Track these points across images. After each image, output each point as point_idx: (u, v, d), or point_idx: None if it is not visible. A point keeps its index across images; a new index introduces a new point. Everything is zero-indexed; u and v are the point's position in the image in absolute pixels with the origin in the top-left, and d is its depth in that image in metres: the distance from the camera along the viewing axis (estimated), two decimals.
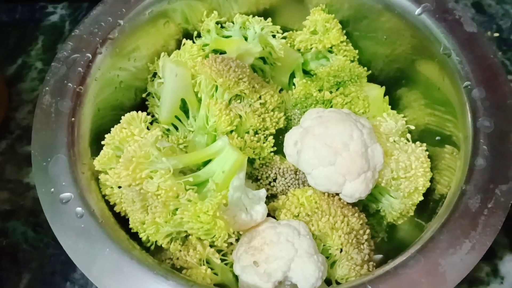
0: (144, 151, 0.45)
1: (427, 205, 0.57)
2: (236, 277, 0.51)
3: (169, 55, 0.64)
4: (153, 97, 0.63)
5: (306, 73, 0.68)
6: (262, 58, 0.65)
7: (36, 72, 0.77)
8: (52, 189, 0.47)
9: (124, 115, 0.52)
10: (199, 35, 0.66)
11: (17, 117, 0.73)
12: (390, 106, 0.66)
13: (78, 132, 0.51)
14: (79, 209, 0.46)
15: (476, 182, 0.47)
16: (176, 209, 0.45)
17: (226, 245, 0.51)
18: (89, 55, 0.55)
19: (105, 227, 0.46)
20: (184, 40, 0.65)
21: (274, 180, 0.58)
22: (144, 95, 0.64)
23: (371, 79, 0.68)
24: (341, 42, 0.64)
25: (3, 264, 0.62)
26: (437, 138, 0.58)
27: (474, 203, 0.46)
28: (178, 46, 0.65)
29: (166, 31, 0.64)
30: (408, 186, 0.55)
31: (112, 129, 0.50)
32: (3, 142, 0.71)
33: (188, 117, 0.61)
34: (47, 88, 0.52)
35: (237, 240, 0.52)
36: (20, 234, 0.64)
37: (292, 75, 0.67)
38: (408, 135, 0.59)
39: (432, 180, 0.57)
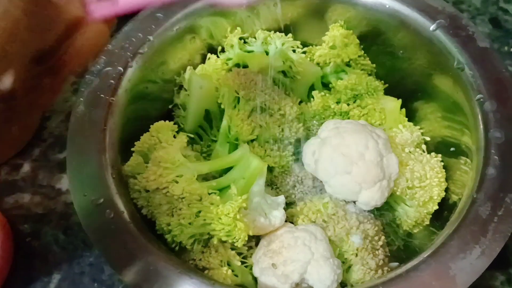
0: (171, 157, 0.49)
1: (442, 214, 0.59)
2: (255, 279, 0.53)
3: (194, 68, 0.67)
4: (179, 108, 0.67)
5: (325, 86, 0.71)
6: (283, 72, 0.67)
7: (69, 84, 0.81)
8: (85, 193, 0.50)
9: (151, 125, 0.56)
10: (223, 50, 0.69)
11: (49, 125, 0.77)
12: (406, 118, 0.68)
13: (109, 140, 0.54)
14: (109, 211, 0.49)
15: (487, 190, 0.49)
16: (199, 212, 0.48)
17: (246, 248, 0.54)
18: (121, 68, 0.58)
19: (133, 228, 0.49)
20: (209, 55, 0.68)
21: (293, 188, 0.60)
22: (170, 106, 0.67)
23: (388, 92, 0.70)
24: (359, 56, 0.67)
25: (34, 264, 0.65)
26: (452, 149, 0.60)
27: (485, 211, 0.48)
28: (203, 60, 0.69)
29: (192, 46, 0.67)
30: (423, 195, 0.57)
31: (141, 137, 0.53)
32: (36, 149, 0.75)
33: (211, 127, 0.64)
34: (81, 98, 0.56)
35: (256, 245, 0.55)
36: (51, 236, 0.67)
37: (312, 88, 0.70)
38: (424, 146, 0.61)
39: (447, 190, 0.59)
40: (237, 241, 0.48)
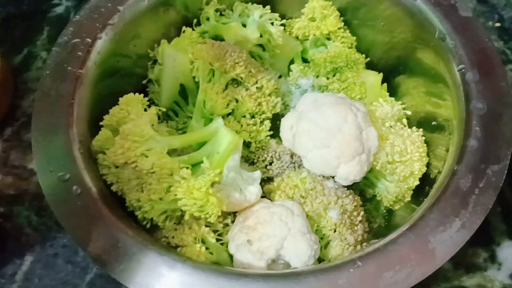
0: (139, 129, 0.47)
1: (424, 190, 0.57)
2: (231, 257, 0.52)
3: (169, 42, 0.65)
4: (154, 83, 0.64)
5: (305, 61, 0.69)
6: (262, 46, 0.66)
7: (42, 62, 0.79)
8: (51, 169, 0.48)
9: None
10: (198, 23, 0.67)
11: (22, 105, 0.75)
12: (388, 93, 0.66)
13: (77, 114, 0.52)
14: (76, 187, 0.47)
15: (468, 162, 0.48)
16: (170, 187, 0.46)
17: (221, 225, 0.52)
18: (89, 40, 0.56)
19: (101, 205, 0.47)
20: (184, 28, 0.66)
21: (270, 164, 0.58)
22: (144, 82, 0.65)
23: (370, 66, 0.68)
24: (339, 28, 0.65)
25: (7, 246, 0.63)
26: (433, 123, 0.59)
27: (465, 183, 0.47)
28: (178, 34, 0.66)
29: (166, 19, 0.65)
30: (404, 170, 0.56)
31: (110, 110, 0.51)
32: (8, 129, 0.73)
33: (187, 103, 0.62)
34: (47, 71, 0.54)
35: (232, 222, 0.53)
36: (24, 218, 0.65)
37: (292, 63, 0.68)
38: (405, 121, 0.60)
39: (428, 165, 0.57)
40: (210, 216, 0.46)
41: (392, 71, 0.67)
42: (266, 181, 0.58)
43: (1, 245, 0.62)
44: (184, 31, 0.65)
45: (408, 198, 0.59)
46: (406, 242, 0.44)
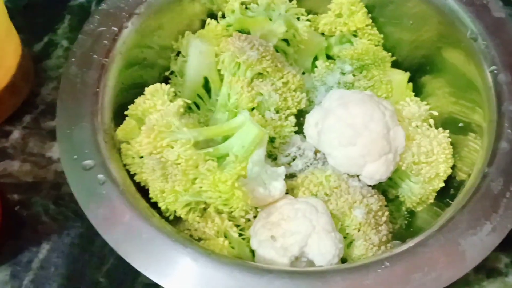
0: (166, 120, 0.46)
1: (448, 193, 0.56)
2: (252, 252, 0.51)
3: (193, 34, 0.64)
4: (176, 75, 0.64)
5: (329, 58, 0.68)
6: (286, 41, 0.65)
7: (62, 50, 0.78)
8: (75, 156, 0.48)
9: None
10: (223, 16, 0.66)
11: (42, 92, 0.74)
12: (413, 93, 0.65)
13: (102, 103, 0.51)
14: (101, 176, 0.47)
15: (499, 165, 0.47)
16: (195, 179, 0.46)
17: (243, 220, 0.52)
18: (115, 28, 0.55)
19: (125, 194, 0.46)
20: (208, 20, 0.65)
21: (293, 160, 0.58)
22: (167, 74, 0.65)
23: (395, 65, 0.67)
24: (366, 25, 0.64)
25: (23, 234, 0.63)
26: (460, 125, 0.58)
27: (496, 186, 0.46)
28: (202, 26, 0.66)
29: (191, 10, 0.64)
30: (429, 171, 0.55)
31: (135, 100, 0.51)
32: (27, 116, 0.72)
33: (210, 96, 0.61)
34: (73, 59, 0.53)
35: (254, 217, 0.53)
36: (41, 206, 0.65)
37: (315, 60, 0.67)
38: (431, 121, 0.59)
39: (453, 167, 0.57)
40: (235, 210, 0.46)
41: (417, 70, 0.66)
42: (288, 177, 0.57)
43: (17, 232, 0.62)
44: (208, 24, 0.64)
45: (431, 200, 0.58)
46: (435, 244, 0.43)
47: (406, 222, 0.61)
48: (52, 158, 0.69)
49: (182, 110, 0.49)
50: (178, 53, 0.64)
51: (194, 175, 0.46)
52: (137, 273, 0.44)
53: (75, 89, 0.51)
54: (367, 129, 0.51)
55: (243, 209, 0.46)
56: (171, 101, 0.51)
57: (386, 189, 0.60)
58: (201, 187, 0.45)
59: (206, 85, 0.61)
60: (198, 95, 0.61)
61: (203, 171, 0.46)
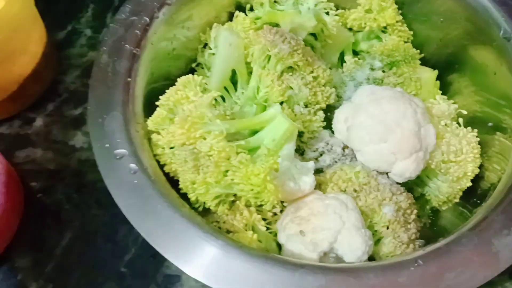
0: (199, 112, 0.46)
1: (474, 193, 0.56)
2: (279, 247, 0.51)
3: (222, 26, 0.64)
4: (203, 67, 0.64)
5: (355, 53, 0.68)
6: (314, 35, 0.64)
7: (86, 39, 0.78)
8: (107, 145, 0.48)
9: (172, 84, 0.53)
10: (251, 9, 0.66)
11: (65, 80, 0.74)
12: (441, 91, 0.65)
13: (133, 92, 0.51)
14: (133, 165, 0.47)
15: None
16: (227, 171, 0.45)
17: (271, 214, 0.52)
18: (147, 18, 0.55)
19: (157, 184, 0.46)
20: (236, 13, 0.65)
21: (321, 155, 0.57)
22: (193, 65, 0.64)
23: (423, 62, 0.67)
24: (397, 21, 0.63)
25: (46, 221, 0.63)
26: (489, 124, 0.57)
27: None
28: (230, 18, 0.65)
29: (219, 2, 0.64)
30: (458, 171, 0.55)
31: (167, 90, 0.50)
32: (50, 104, 0.72)
33: (236, 89, 0.61)
34: (105, 48, 0.53)
35: (281, 212, 0.53)
36: (63, 194, 0.65)
37: (342, 55, 0.67)
38: (460, 120, 0.59)
39: (480, 167, 0.56)
40: (266, 203, 0.46)
41: (445, 69, 0.65)
42: (315, 172, 0.57)
43: (39, 220, 0.62)
44: (237, 16, 0.64)
45: (457, 200, 0.58)
46: (469, 244, 0.43)
47: (430, 221, 0.60)
48: (75, 146, 0.69)
49: (214, 102, 0.49)
50: (205, 45, 0.64)
51: (226, 167, 0.46)
52: (159, 264, 0.44)
53: (107, 78, 0.51)
54: (399, 126, 0.51)
55: (274, 203, 0.46)
56: (202, 92, 0.51)
57: (411, 187, 0.59)
58: (232, 179, 0.45)
59: (233, 78, 0.61)
60: (225, 87, 0.61)
61: (236, 163, 0.45)
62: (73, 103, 0.72)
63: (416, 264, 0.42)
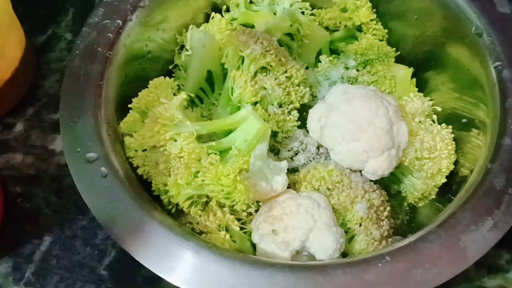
0: (169, 114, 0.46)
1: (450, 189, 0.56)
2: (253, 246, 0.51)
3: (197, 28, 0.64)
4: (180, 69, 0.64)
5: (334, 53, 0.68)
6: (290, 35, 0.65)
7: (65, 43, 0.78)
8: (79, 149, 0.48)
9: None
10: (228, 9, 0.66)
11: (44, 85, 0.74)
12: (417, 89, 0.65)
13: (105, 95, 0.51)
14: (103, 169, 0.47)
15: (503, 161, 0.47)
16: (198, 172, 0.45)
17: (245, 214, 0.52)
18: (119, 21, 0.55)
19: (128, 187, 0.46)
20: (213, 14, 0.65)
21: (296, 154, 0.58)
22: (170, 67, 0.64)
23: (399, 60, 0.67)
24: (371, 20, 0.64)
25: (25, 227, 0.63)
26: (463, 120, 0.58)
27: (499, 182, 0.46)
28: (207, 20, 0.66)
29: (195, 4, 0.64)
30: (432, 167, 0.55)
31: (139, 93, 0.51)
32: (30, 109, 0.72)
33: (213, 90, 0.61)
34: (77, 51, 0.53)
35: (256, 211, 0.53)
36: (43, 199, 0.65)
37: (319, 54, 0.67)
38: (434, 117, 0.59)
39: (456, 163, 0.57)
40: (237, 204, 0.46)
41: (421, 66, 0.66)
42: (290, 171, 0.57)
43: (19, 225, 0.62)
44: (213, 17, 0.64)
45: (433, 196, 0.58)
46: (437, 240, 0.43)
47: (407, 217, 0.61)
48: (54, 151, 0.69)
49: (185, 103, 0.49)
50: (182, 47, 0.64)
51: (196, 169, 0.46)
52: (138, 266, 0.44)
53: (79, 82, 0.51)
54: (371, 125, 0.51)
55: (245, 203, 0.46)
56: (174, 94, 0.51)
57: (388, 184, 0.60)
58: (203, 181, 0.45)
59: (210, 79, 0.61)
60: (201, 88, 0.61)
61: (206, 165, 0.46)
62: (52, 107, 0.72)
63: (384, 261, 0.42)
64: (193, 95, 0.58)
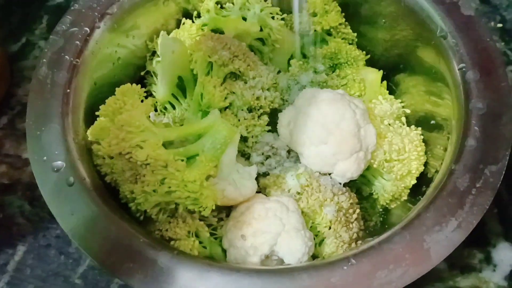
0: (134, 120, 0.46)
1: (421, 190, 0.57)
2: (224, 252, 0.51)
3: (168, 34, 0.64)
4: (152, 75, 0.64)
5: (305, 56, 0.68)
6: (262, 40, 0.65)
7: (39, 51, 0.78)
8: (45, 158, 0.48)
9: None
10: (199, 15, 0.66)
11: (18, 93, 0.74)
12: (387, 91, 0.65)
13: (72, 103, 0.51)
14: (70, 177, 0.47)
15: (466, 162, 0.47)
16: (164, 179, 0.45)
17: (216, 220, 0.52)
18: (87, 29, 0.55)
19: (95, 196, 0.46)
20: (183, 20, 0.65)
21: (267, 159, 0.58)
22: (142, 73, 0.64)
23: (370, 64, 0.68)
24: (340, 24, 0.64)
25: None
26: (432, 122, 0.58)
27: (463, 183, 0.46)
28: (178, 26, 0.66)
29: (166, 10, 0.64)
30: (401, 169, 0.55)
31: (106, 100, 0.50)
32: (3, 117, 0.72)
33: (185, 95, 0.61)
34: (44, 60, 0.53)
35: (227, 217, 0.53)
36: (17, 208, 0.65)
37: (291, 58, 0.67)
38: (404, 119, 0.59)
39: (426, 164, 0.57)
40: (204, 209, 0.46)
41: (393, 69, 0.66)
42: (261, 176, 0.57)
43: None
44: (184, 23, 0.64)
45: (405, 197, 0.58)
46: (401, 241, 0.43)
47: (381, 219, 0.61)
48: (28, 160, 0.68)
49: (152, 109, 0.49)
50: (154, 53, 0.64)
51: (163, 175, 0.46)
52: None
53: (45, 90, 0.51)
54: (338, 128, 0.52)
55: (212, 208, 0.46)
56: (142, 101, 0.51)
57: (360, 186, 0.60)
58: (169, 187, 0.45)
59: (181, 85, 0.61)
60: (173, 94, 0.61)
61: (172, 171, 0.45)
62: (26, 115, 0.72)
63: (349, 263, 0.42)
64: (160, 101, 0.57)
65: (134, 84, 0.52)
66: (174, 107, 0.62)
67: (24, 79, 0.75)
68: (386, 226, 0.60)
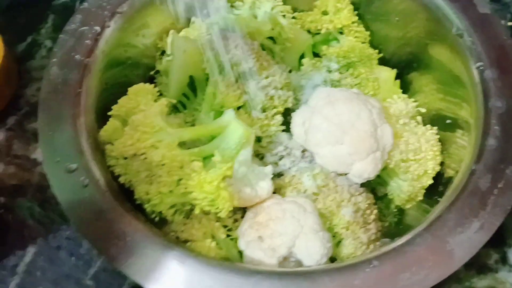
0: (149, 121, 0.45)
1: (436, 190, 0.56)
2: (240, 253, 0.50)
3: (178, 33, 0.63)
4: (161, 75, 0.63)
5: (317, 56, 0.68)
6: (272, 39, 0.64)
7: (46, 51, 0.77)
8: (58, 159, 0.47)
9: None
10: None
11: (26, 94, 0.73)
12: (401, 90, 0.65)
13: (84, 104, 0.51)
14: (84, 179, 0.46)
15: (487, 162, 0.47)
16: (181, 179, 0.45)
17: (231, 221, 0.51)
18: (98, 28, 0.55)
19: (109, 197, 0.45)
20: (193, 18, 0.64)
21: (281, 159, 0.57)
22: (152, 73, 0.64)
23: (383, 62, 0.67)
24: (352, 22, 0.63)
25: (8, 239, 0.62)
26: (448, 121, 0.58)
27: (484, 183, 0.45)
28: (187, 25, 0.65)
29: None
30: (418, 169, 0.55)
31: (119, 100, 0.50)
32: (11, 118, 0.71)
33: (196, 95, 0.61)
34: (54, 59, 0.53)
35: (242, 217, 0.52)
36: (26, 210, 0.64)
37: (302, 57, 0.67)
38: (419, 118, 0.59)
39: (442, 164, 0.56)
40: (221, 211, 0.45)
41: (405, 68, 0.66)
42: (276, 176, 0.57)
43: (2, 237, 0.61)
44: (193, 22, 0.63)
45: (421, 198, 0.58)
46: (423, 243, 0.43)
47: (395, 219, 0.60)
48: (37, 160, 0.68)
49: (166, 109, 0.49)
50: (163, 52, 0.64)
51: (179, 176, 0.45)
52: (124, 276, 0.44)
53: (57, 91, 0.50)
54: (354, 128, 0.51)
55: (229, 210, 0.46)
56: (155, 101, 0.50)
57: (375, 187, 0.59)
58: (186, 188, 0.45)
59: (192, 85, 0.61)
60: (184, 94, 0.60)
61: (188, 172, 0.45)
62: (34, 116, 0.70)
63: (371, 266, 0.42)
64: (174, 101, 0.57)
65: (147, 84, 0.51)
66: (184, 107, 0.61)
67: (32, 79, 0.74)
68: (401, 226, 0.60)
